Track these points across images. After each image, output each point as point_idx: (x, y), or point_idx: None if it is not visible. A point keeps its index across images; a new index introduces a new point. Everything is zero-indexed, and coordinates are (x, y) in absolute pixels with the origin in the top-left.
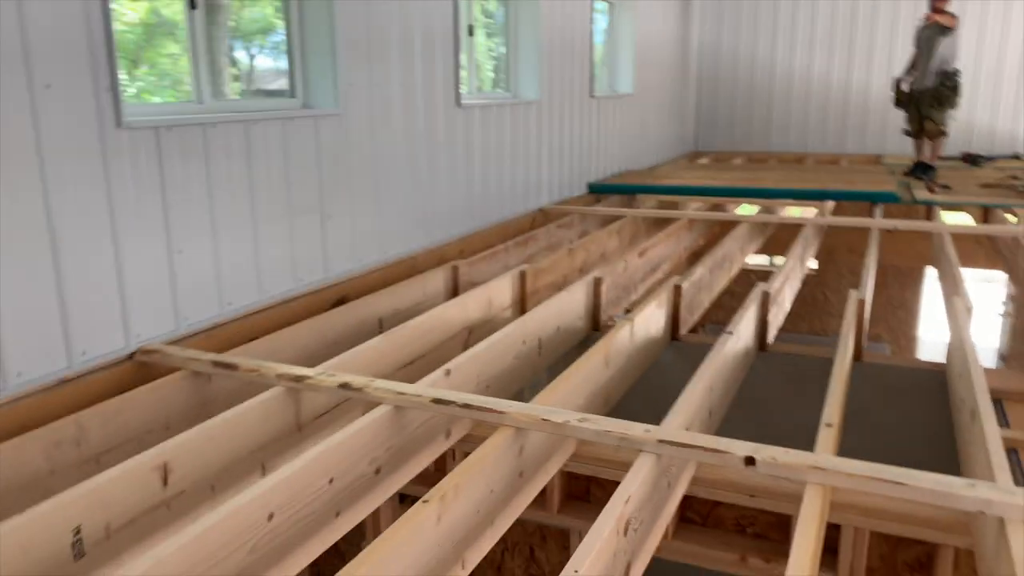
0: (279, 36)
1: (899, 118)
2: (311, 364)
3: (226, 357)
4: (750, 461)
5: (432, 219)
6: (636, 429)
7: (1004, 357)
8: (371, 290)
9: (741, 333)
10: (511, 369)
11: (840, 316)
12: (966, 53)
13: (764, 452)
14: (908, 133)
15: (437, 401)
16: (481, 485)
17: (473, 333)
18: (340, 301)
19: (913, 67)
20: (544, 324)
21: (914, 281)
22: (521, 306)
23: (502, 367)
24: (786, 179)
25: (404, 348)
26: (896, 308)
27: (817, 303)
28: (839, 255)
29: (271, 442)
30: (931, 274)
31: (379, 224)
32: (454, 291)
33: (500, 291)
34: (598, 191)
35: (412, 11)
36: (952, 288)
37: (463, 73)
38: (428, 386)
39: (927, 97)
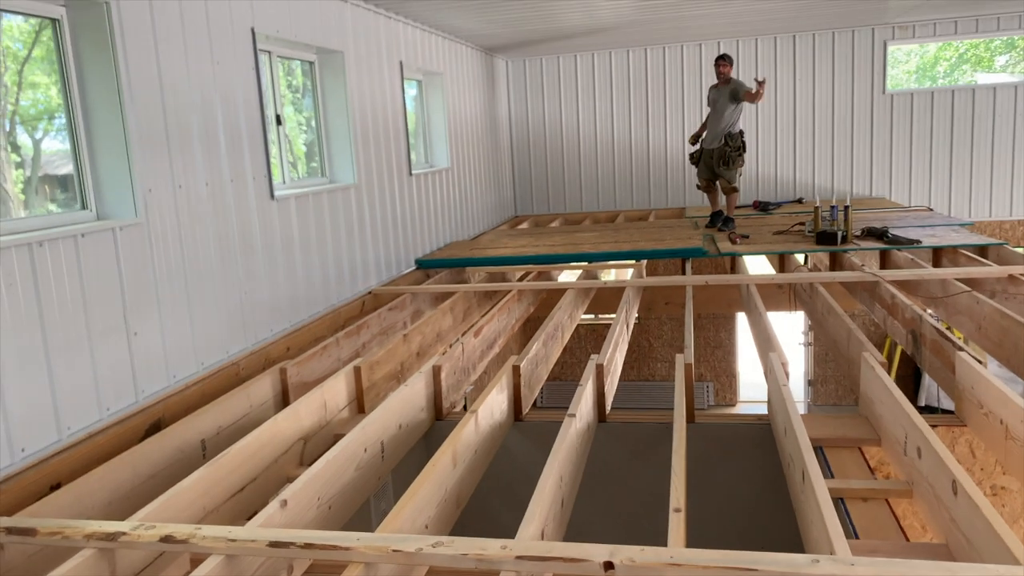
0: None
1: (693, 173)
2: (127, 507)
3: (19, 520)
4: (609, 566)
5: (253, 318)
6: (493, 547)
7: (811, 381)
8: (190, 408)
9: (582, 411)
10: (353, 481)
11: (664, 361)
12: (748, 109)
13: (621, 554)
14: (699, 187)
15: (274, 544)
16: None
17: (309, 442)
18: (155, 426)
19: (704, 126)
20: (386, 425)
21: (728, 322)
22: (359, 403)
23: (344, 482)
24: (603, 240)
25: (232, 474)
26: (715, 348)
27: (643, 350)
28: (658, 308)
29: None
30: (742, 317)
31: (194, 333)
32: (283, 395)
33: (334, 392)
34: (426, 266)
35: (213, 102)
36: (766, 343)
37: (274, 163)
38: (262, 526)
39: (716, 157)
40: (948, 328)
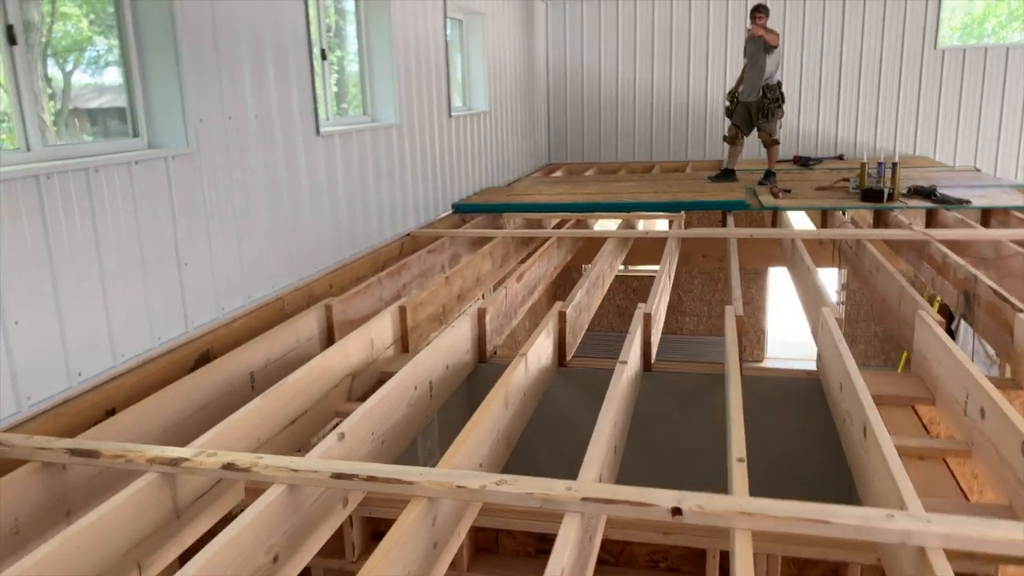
0: (94, 51)
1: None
2: (182, 434)
3: (83, 443)
4: (677, 512)
5: (298, 255)
6: (557, 487)
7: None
8: (237, 341)
9: (631, 360)
10: (405, 418)
11: (693, 315)
12: (791, 63)
13: (689, 500)
14: (725, 139)
15: (337, 476)
16: (399, 569)
17: (356, 379)
18: (204, 357)
19: (740, 80)
20: (434, 365)
21: (758, 278)
22: (403, 343)
23: (396, 418)
24: (641, 191)
25: (285, 407)
26: (745, 304)
27: (672, 304)
28: (693, 260)
29: (147, 538)
30: (774, 273)
31: (242, 266)
32: (328, 332)
33: (381, 330)
34: (463, 211)
35: (264, 33)
36: (816, 297)
37: (319, 99)
38: (322, 457)
39: (755, 110)
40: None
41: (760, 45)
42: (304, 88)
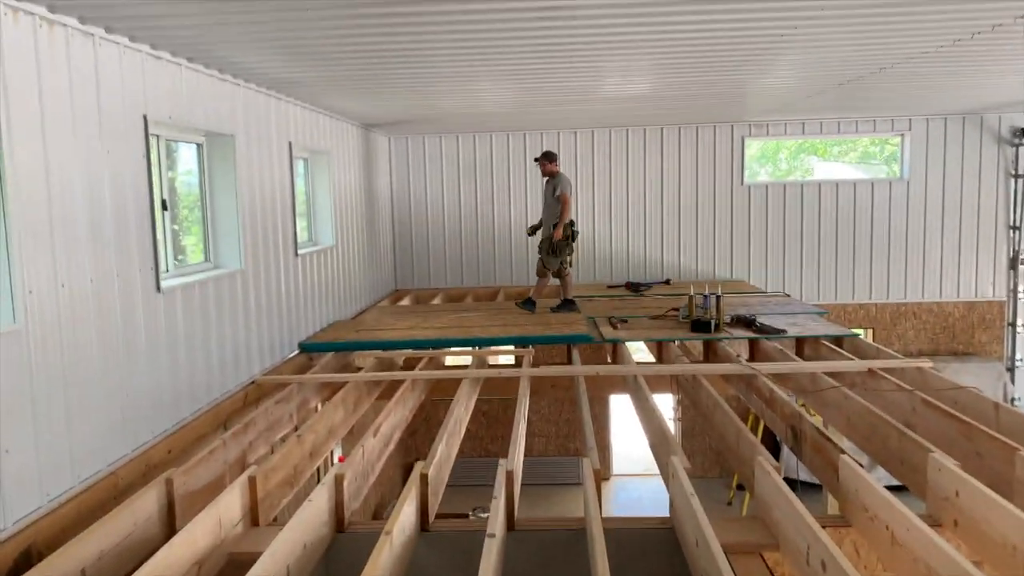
0: None
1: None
2: None
3: None
4: None
5: (133, 420)
6: None
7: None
8: (66, 529)
9: (497, 526)
10: None
11: (541, 436)
12: (619, 195)
13: None
14: (538, 272)
15: None
16: None
17: (204, 567)
18: (24, 555)
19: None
20: (292, 547)
21: (602, 401)
22: (253, 516)
23: None
24: (491, 323)
25: None
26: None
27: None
28: (543, 391)
29: None
30: (616, 397)
31: (71, 443)
32: (170, 508)
33: (230, 506)
34: (310, 350)
35: (102, 192)
36: (662, 441)
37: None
38: None
39: (544, 247)
40: (824, 424)
41: (549, 188)
42: (145, 244)
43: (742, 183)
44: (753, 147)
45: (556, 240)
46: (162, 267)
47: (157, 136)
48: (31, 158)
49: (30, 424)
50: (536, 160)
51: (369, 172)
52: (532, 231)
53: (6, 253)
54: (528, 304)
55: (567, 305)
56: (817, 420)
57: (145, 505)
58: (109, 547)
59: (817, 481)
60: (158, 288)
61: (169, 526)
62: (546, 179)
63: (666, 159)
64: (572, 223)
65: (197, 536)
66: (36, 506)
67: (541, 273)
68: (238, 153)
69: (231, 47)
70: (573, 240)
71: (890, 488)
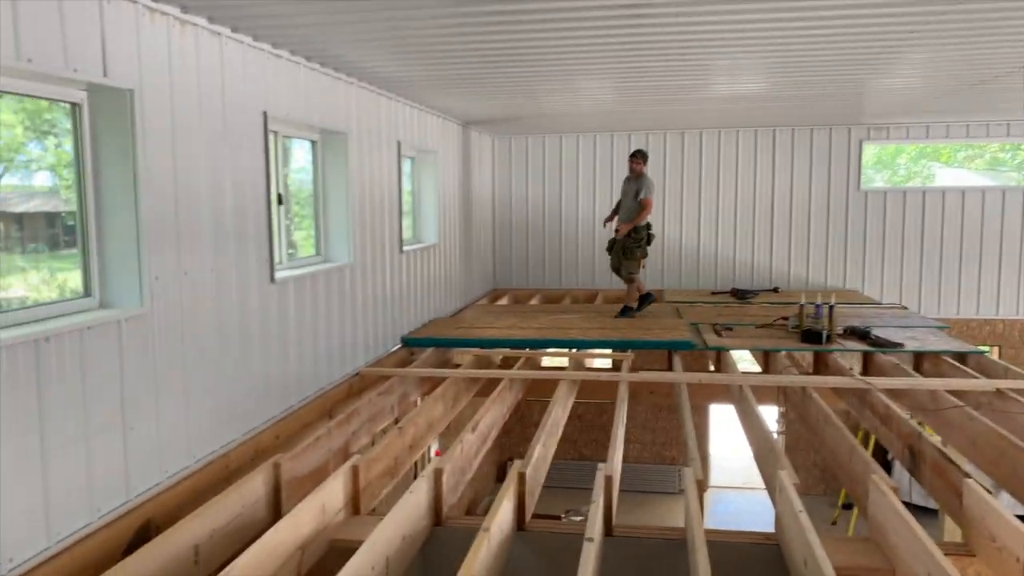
0: (23, 157)
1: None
2: None
3: None
4: None
5: (245, 407)
6: None
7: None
8: (180, 507)
9: (595, 531)
10: None
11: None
12: (727, 198)
13: None
14: (616, 273)
15: None
16: None
17: (307, 551)
18: (144, 527)
19: (615, 213)
20: (391, 539)
21: (702, 410)
22: (354, 504)
23: None
24: (590, 326)
25: None
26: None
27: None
28: (641, 396)
29: None
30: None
31: (188, 424)
32: (276, 493)
33: (333, 494)
34: (412, 344)
35: (224, 186)
36: (769, 454)
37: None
38: None
39: (618, 248)
40: (944, 444)
41: (633, 187)
42: (261, 236)
43: (858, 188)
44: (868, 152)
45: (620, 238)
46: (276, 259)
47: (275, 133)
48: (161, 152)
49: (152, 404)
50: (633, 156)
51: (471, 171)
52: (610, 246)
53: (137, 242)
54: (626, 312)
55: (626, 311)
56: (937, 441)
57: (254, 488)
58: (220, 525)
59: (931, 505)
60: (272, 279)
61: (275, 509)
62: (629, 178)
63: (777, 162)
64: (649, 226)
65: (301, 521)
66: (156, 481)
67: (629, 280)
68: (350, 151)
69: (345, 46)
70: (648, 244)
71: (1020, 518)
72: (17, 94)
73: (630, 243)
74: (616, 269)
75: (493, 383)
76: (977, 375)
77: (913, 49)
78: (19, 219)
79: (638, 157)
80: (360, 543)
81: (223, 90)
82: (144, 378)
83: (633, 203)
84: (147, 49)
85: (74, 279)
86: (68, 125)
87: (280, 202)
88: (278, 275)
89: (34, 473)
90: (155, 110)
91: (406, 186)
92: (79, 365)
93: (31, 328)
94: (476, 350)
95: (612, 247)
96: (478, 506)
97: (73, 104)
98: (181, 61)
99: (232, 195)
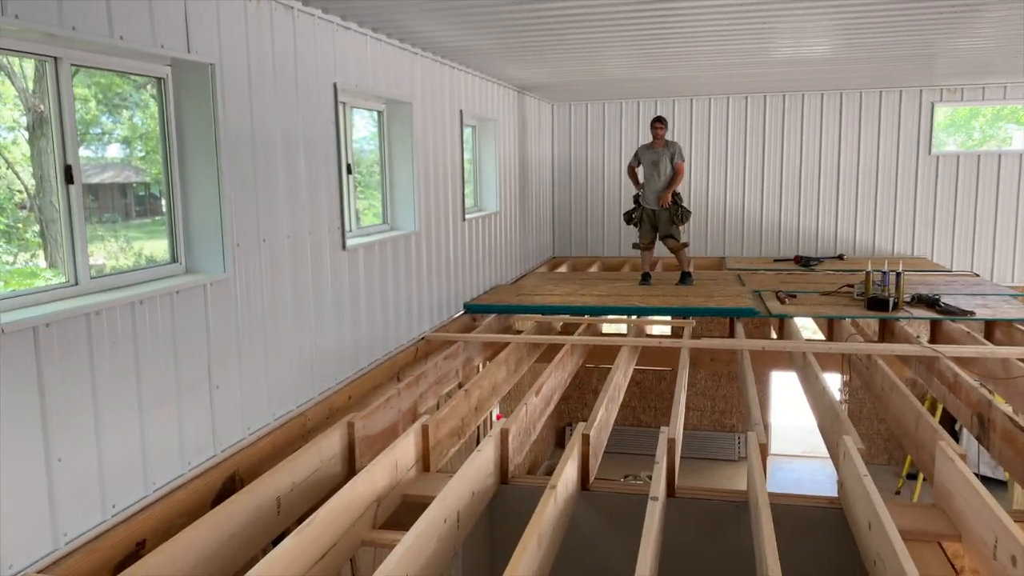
0: (97, 129)
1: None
2: (214, 569)
3: None
4: None
5: (320, 368)
6: None
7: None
8: (263, 461)
9: (660, 491)
10: (434, 554)
11: (695, 410)
12: (792, 163)
13: None
14: (638, 246)
15: None
16: None
17: (381, 505)
18: (231, 479)
19: (642, 186)
20: (461, 494)
21: (763, 378)
22: (425, 462)
23: (427, 555)
24: (650, 293)
25: (316, 542)
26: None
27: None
28: (702, 363)
29: None
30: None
31: (268, 384)
32: (350, 449)
33: (405, 452)
34: (475, 311)
35: (298, 156)
36: (834, 421)
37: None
38: None
39: (666, 217)
40: (1015, 412)
41: (665, 155)
42: (333, 204)
43: (929, 153)
44: (940, 114)
45: (667, 206)
46: (347, 227)
47: (344, 103)
48: (240, 124)
49: (235, 364)
50: (658, 121)
51: (530, 139)
52: (630, 217)
53: (219, 209)
54: (687, 278)
55: (684, 276)
56: (1007, 409)
57: (330, 445)
58: (300, 479)
59: (998, 476)
60: (343, 246)
61: (350, 465)
62: (653, 146)
63: (844, 127)
64: (678, 194)
65: (376, 476)
66: (240, 437)
67: (676, 248)
68: (415, 120)
69: (411, 17)
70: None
71: None
72: (108, 70)
73: (678, 209)
74: (647, 244)
75: (554, 349)
76: None
77: (989, 7)
78: (94, 190)
79: (661, 123)
80: (432, 498)
81: (296, 62)
82: (228, 340)
83: (668, 169)
84: (226, 24)
85: (149, 247)
86: (138, 98)
87: (350, 171)
88: (349, 242)
89: (132, 427)
90: (234, 83)
91: (467, 155)
92: (170, 327)
93: (127, 292)
94: (537, 316)
95: (639, 220)
96: (539, 469)
97: (159, 79)
98: (257, 35)
99: (305, 165)
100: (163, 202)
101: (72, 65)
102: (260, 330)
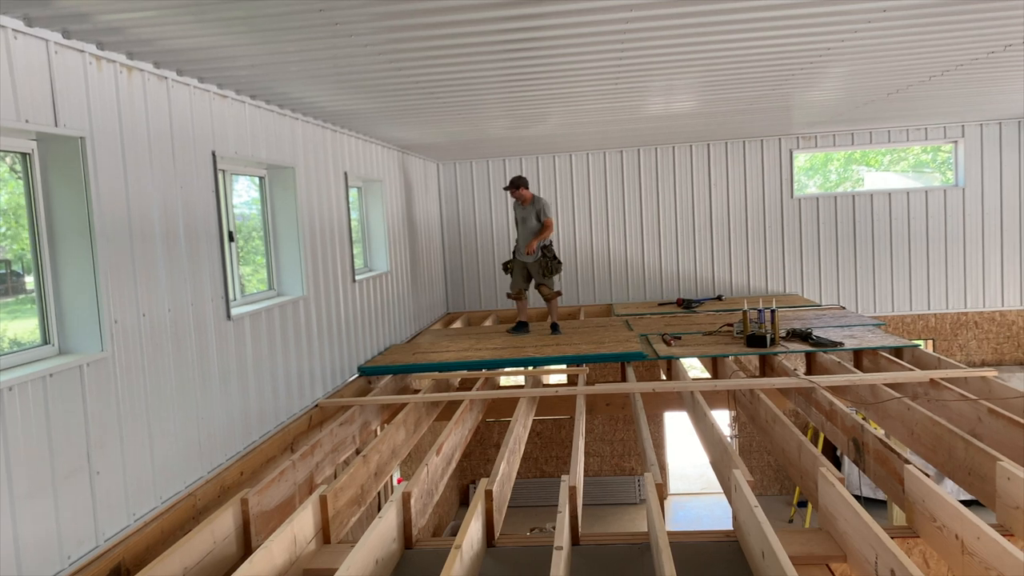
0: None
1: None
2: None
3: None
4: None
5: (208, 445)
6: None
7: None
8: (150, 548)
9: (564, 540)
10: None
11: (594, 456)
12: (668, 211)
13: None
14: (510, 295)
15: None
16: None
17: None
18: (115, 571)
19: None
20: (365, 564)
21: (657, 418)
22: (325, 533)
23: None
24: (541, 342)
25: None
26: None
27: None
28: (598, 408)
29: None
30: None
31: (154, 466)
32: (245, 527)
33: (303, 525)
34: (369, 373)
35: (177, 225)
36: (723, 456)
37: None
38: None
39: (538, 268)
40: (887, 435)
41: (531, 211)
42: (215, 274)
43: (792, 196)
44: (801, 159)
45: (536, 257)
46: (231, 296)
47: (223, 171)
48: (114, 197)
49: (117, 447)
50: (515, 186)
51: (418, 198)
52: (507, 267)
53: (95, 285)
54: (555, 328)
55: (522, 327)
56: (879, 432)
57: (223, 524)
58: (192, 564)
59: (879, 497)
60: (228, 316)
61: (245, 544)
62: (517, 205)
63: (714, 175)
64: (550, 244)
65: (275, 553)
66: (125, 524)
67: (549, 297)
68: (298, 184)
69: (289, 83)
70: (558, 259)
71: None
72: None
73: (548, 260)
74: (517, 293)
75: (453, 406)
76: (912, 367)
77: (831, 64)
78: None
79: (513, 187)
80: (334, 571)
81: (172, 132)
82: (108, 422)
83: (536, 224)
84: (96, 96)
85: (13, 328)
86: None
87: (232, 239)
88: (234, 312)
89: (2, 524)
90: (106, 155)
91: (354, 216)
92: (44, 412)
93: None
94: (434, 374)
95: (512, 270)
96: (443, 531)
97: (24, 154)
98: (130, 105)
99: (185, 235)
100: (26, 279)
101: None
102: (143, 409)
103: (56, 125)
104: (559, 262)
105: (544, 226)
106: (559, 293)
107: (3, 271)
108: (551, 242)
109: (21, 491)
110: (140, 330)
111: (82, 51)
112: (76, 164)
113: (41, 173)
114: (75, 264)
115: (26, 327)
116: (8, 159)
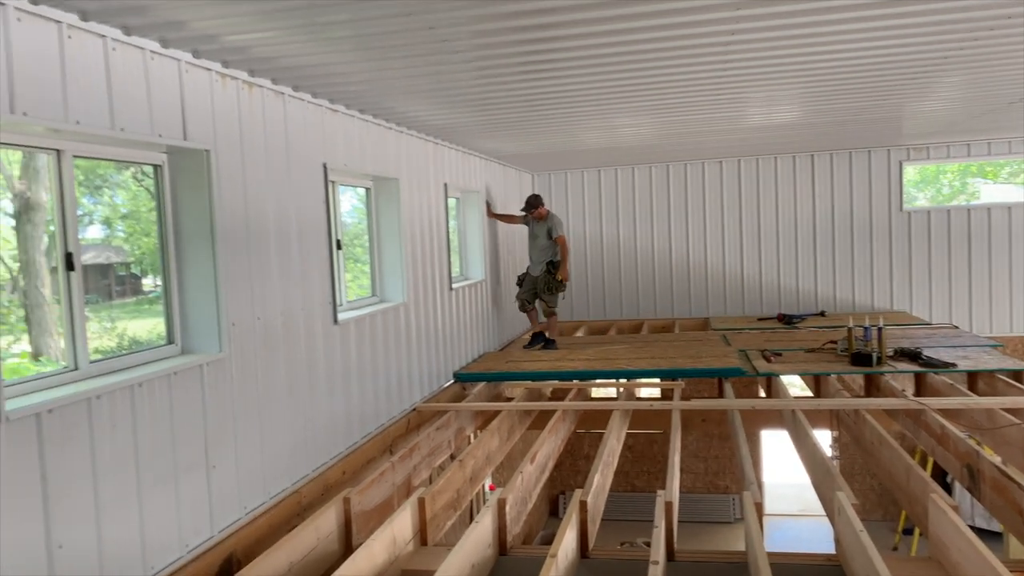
0: (80, 211)
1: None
2: None
3: None
4: None
5: (313, 444)
6: None
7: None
8: (259, 541)
9: (660, 554)
10: None
11: (688, 472)
12: (768, 224)
13: None
14: (521, 308)
15: None
16: None
17: None
18: (228, 561)
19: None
20: (461, 568)
21: (754, 437)
22: (423, 535)
23: None
24: (637, 356)
25: None
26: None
27: (664, 461)
28: (693, 424)
29: None
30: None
31: (264, 462)
32: (346, 525)
33: (402, 526)
34: (464, 379)
35: (290, 234)
36: (826, 477)
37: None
38: None
39: (540, 284)
40: (1003, 462)
41: (543, 228)
42: (324, 280)
43: (901, 209)
44: (911, 171)
45: (542, 272)
46: (338, 302)
47: (333, 182)
48: (234, 206)
49: (232, 443)
50: (525, 210)
51: (513, 207)
52: (521, 280)
53: (215, 288)
54: (551, 344)
55: (548, 343)
56: (996, 459)
57: (326, 522)
58: (297, 559)
59: (993, 528)
60: (335, 321)
61: (347, 542)
62: (531, 220)
63: (818, 186)
64: (559, 263)
65: (376, 552)
66: (236, 517)
67: (547, 313)
68: (401, 195)
69: (395, 99)
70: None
71: None
72: (108, 159)
73: (551, 278)
74: (521, 306)
75: (546, 415)
76: None
77: (947, 74)
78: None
79: (536, 205)
80: (432, 572)
81: (287, 145)
82: (224, 419)
83: (548, 245)
84: (220, 111)
85: (133, 327)
86: (119, 179)
87: (339, 247)
88: (340, 317)
89: (131, 511)
90: (228, 166)
91: (452, 225)
92: (168, 408)
93: (126, 375)
94: (527, 383)
95: (522, 281)
96: (533, 540)
97: (156, 165)
98: (250, 119)
99: (298, 243)
100: (147, 281)
101: (74, 156)
102: (255, 408)
103: (185, 139)
104: (561, 284)
105: (560, 245)
106: (555, 313)
107: (123, 273)
108: (560, 259)
109: (148, 480)
110: (255, 332)
111: (209, 69)
112: (201, 175)
113: (171, 183)
114: (198, 270)
115: (144, 326)
116: (132, 168)
